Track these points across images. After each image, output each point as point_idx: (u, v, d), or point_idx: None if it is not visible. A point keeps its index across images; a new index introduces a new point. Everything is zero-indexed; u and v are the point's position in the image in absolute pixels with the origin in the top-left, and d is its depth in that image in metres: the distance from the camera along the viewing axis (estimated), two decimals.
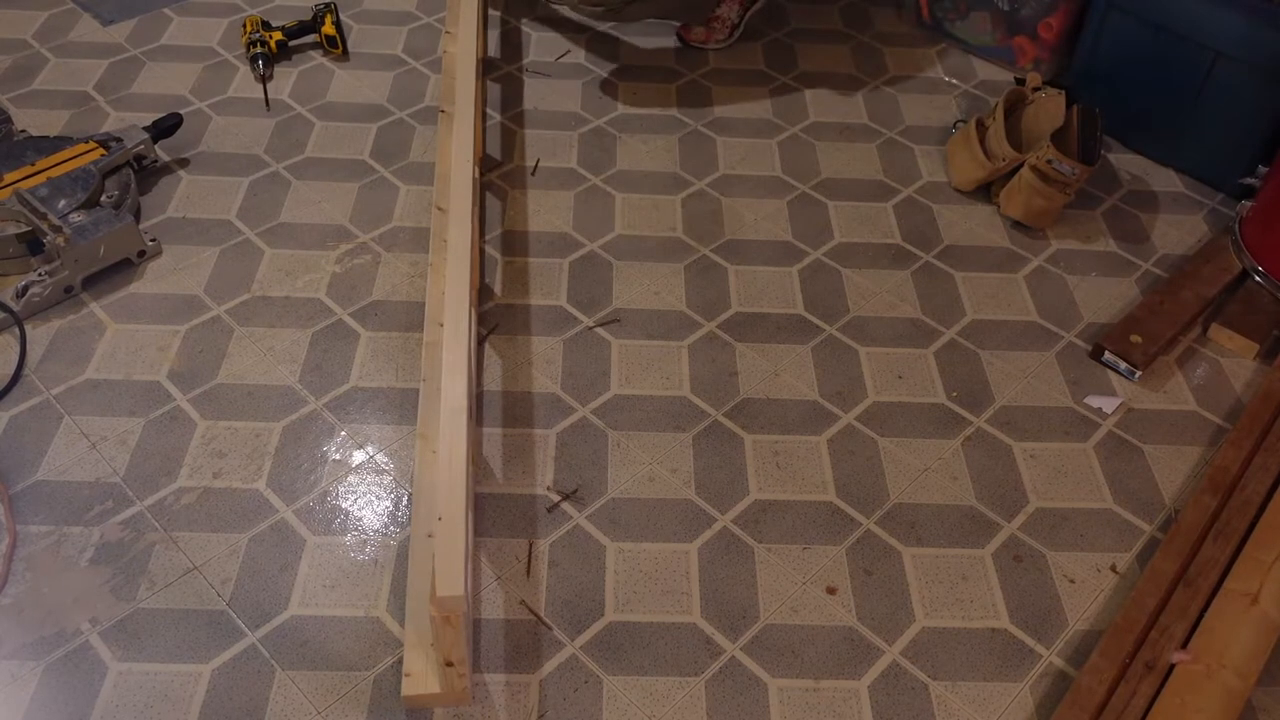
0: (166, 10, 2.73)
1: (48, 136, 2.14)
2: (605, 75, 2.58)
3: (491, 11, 2.79)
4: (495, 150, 2.33)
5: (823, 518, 1.65)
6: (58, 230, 1.86)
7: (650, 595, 1.53)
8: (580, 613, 1.50)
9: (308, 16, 2.61)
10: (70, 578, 1.50)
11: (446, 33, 2.39)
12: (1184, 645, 1.44)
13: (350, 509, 1.61)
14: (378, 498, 1.64)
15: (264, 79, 2.47)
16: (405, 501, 1.63)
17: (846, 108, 2.55)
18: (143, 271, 1.99)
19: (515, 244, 2.09)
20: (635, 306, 1.98)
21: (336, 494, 1.64)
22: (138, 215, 2.09)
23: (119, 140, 2.12)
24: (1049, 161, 2.10)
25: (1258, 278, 2.06)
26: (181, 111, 2.35)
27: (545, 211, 2.18)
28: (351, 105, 2.44)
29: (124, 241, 1.94)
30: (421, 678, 1.40)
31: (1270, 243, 2.05)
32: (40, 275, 1.86)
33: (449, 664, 1.39)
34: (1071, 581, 1.58)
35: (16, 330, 1.82)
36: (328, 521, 1.59)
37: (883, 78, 2.66)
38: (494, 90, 2.51)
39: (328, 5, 2.58)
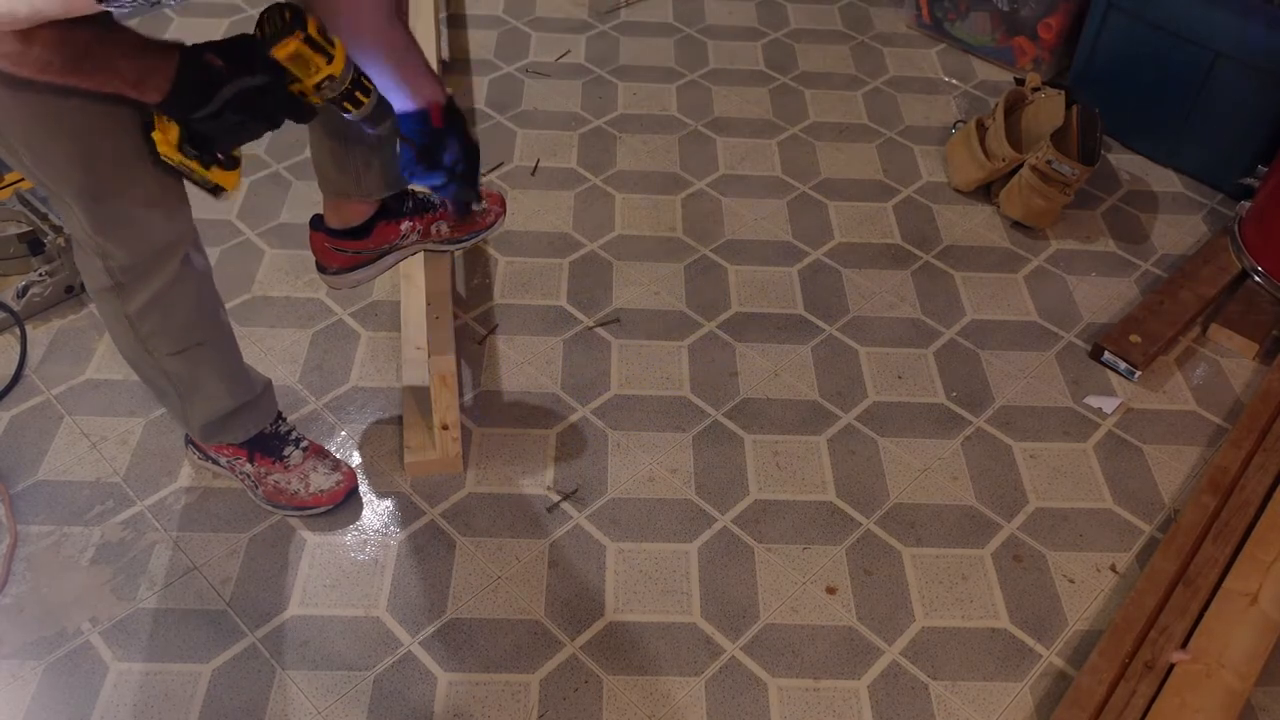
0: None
1: None
2: (605, 75, 2.58)
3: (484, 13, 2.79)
4: (495, 149, 2.33)
5: (823, 518, 1.65)
6: (58, 230, 1.86)
7: (650, 595, 1.53)
8: (580, 613, 1.50)
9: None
10: (70, 578, 1.50)
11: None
12: (1184, 645, 1.45)
13: (350, 509, 1.61)
14: (378, 497, 1.64)
15: None
16: (406, 501, 1.63)
17: (846, 108, 2.55)
18: None
19: (515, 244, 2.09)
20: (635, 306, 1.98)
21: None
22: None
23: None
24: (1049, 162, 2.10)
25: (1257, 278, 2.06)
26: None
27: (545, 211, 2.18)
28: None
29: None
30: (421, 448, 1.67)
31: (1270, 243, 2.05)
32: (40, 275, 1.86)
33: (444, 427, 1.61)
34: (1071, 581, 1.58)
35: (17, 330, 1.82)
36: (328, 521, 1.59)
37: (883, 78, 2.66)
38: (494, 90, 2.51)
39: None
